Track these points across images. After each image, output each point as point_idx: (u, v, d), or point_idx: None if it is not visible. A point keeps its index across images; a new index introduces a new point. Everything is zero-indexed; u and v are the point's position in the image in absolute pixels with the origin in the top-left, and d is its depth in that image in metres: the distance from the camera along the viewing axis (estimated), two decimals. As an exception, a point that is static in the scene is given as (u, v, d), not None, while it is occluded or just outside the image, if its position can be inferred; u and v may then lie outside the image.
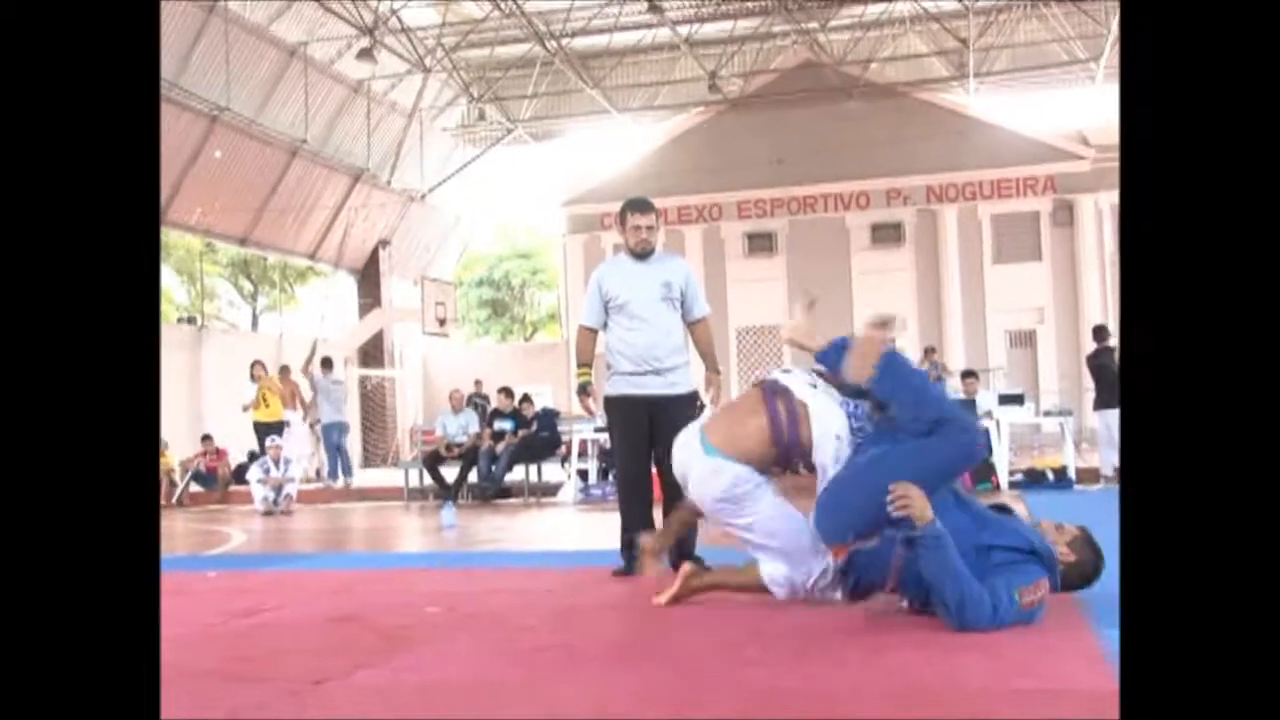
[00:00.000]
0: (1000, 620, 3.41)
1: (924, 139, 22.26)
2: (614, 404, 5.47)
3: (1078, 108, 24.85)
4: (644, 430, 5.38)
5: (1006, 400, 12.70)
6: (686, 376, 5.47)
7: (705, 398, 5.68)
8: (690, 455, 4.15)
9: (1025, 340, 22.46)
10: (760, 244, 23.56)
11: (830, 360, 4.17)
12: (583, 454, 12.89)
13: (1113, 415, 11.58)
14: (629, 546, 5.35)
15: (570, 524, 9.84)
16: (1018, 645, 3.20)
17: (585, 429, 13.03)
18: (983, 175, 22.52)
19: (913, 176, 22.84)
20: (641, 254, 5.45)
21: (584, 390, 5.57)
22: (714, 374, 5.66)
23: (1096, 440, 12.79)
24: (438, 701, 2.87)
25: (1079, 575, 3.76)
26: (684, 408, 5.44)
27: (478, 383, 18.76)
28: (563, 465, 13.30)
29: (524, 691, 2.96)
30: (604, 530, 7.90)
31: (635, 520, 5.37)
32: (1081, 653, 3.14)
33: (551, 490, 12.91)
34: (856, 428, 4.04)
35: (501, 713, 2.72)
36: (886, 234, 23.15)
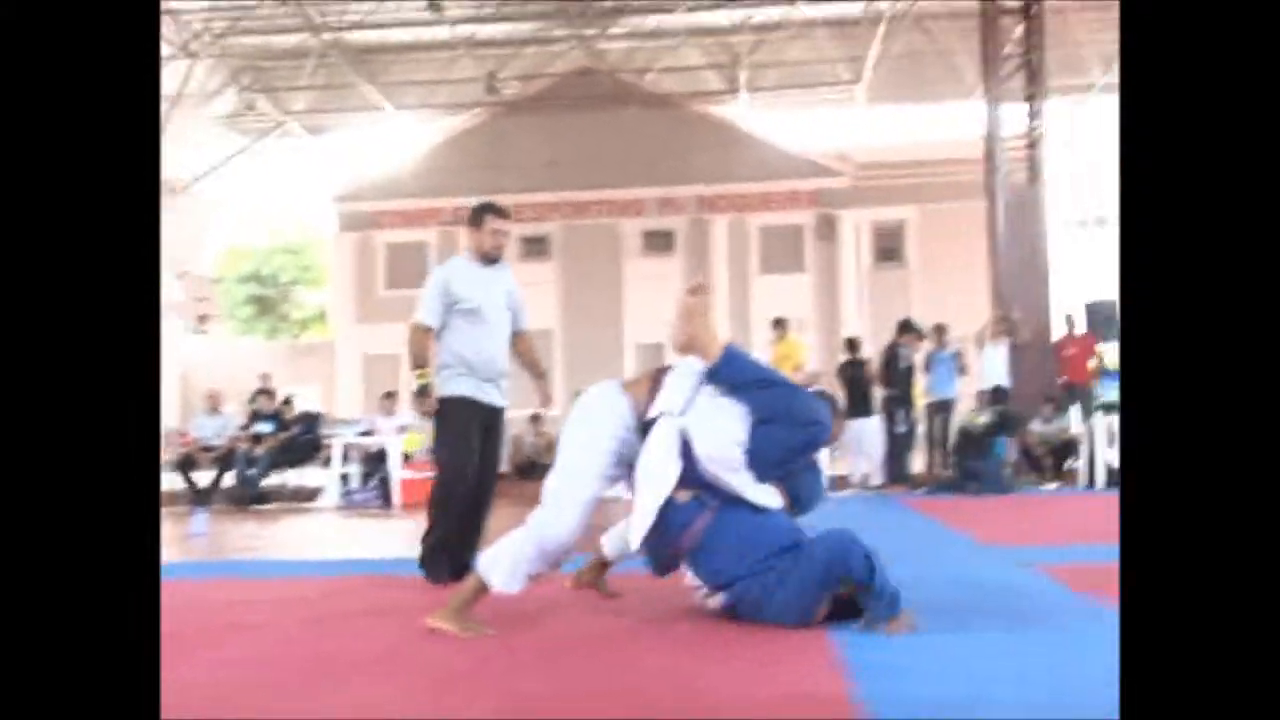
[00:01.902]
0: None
1: (697, 150, 22.78)
2: (456, 405, 5.21)
3: (840, 127, 25.84)
4: (479, 438, 5.26)
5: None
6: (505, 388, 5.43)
7: (540, 406, 5.62)
8: None
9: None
10: (534, 248, 23.60)
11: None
12: (345, 458, 12.65)
13: (861, 424, 12.13)
14: (436, 552, 5.16)
15: (330, 530, 9.62)
16: (759, 653, 3.32)
17: (348, 433, 12.81)
18: (751, 188, 23.18)
19: (686, 186, 23.33)
20: (496, 259, 5.38)
21: (424, 391, 5.24)
22: (542, 380, 5.65)
23: (845, 449, 13.22)
24: (198, 709, 2.76)
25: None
26: (503, 421, 5.42)
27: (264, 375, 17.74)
28: (324, 469, 13.00)
29: (276, 702, 2.88)
30: (367, 536, 7.77)
31: (453, 527, 5.17)
32: (819, 657, 3.26)
33: (311, 495, 12.60)
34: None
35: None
36: (659, 242, 23.57)
